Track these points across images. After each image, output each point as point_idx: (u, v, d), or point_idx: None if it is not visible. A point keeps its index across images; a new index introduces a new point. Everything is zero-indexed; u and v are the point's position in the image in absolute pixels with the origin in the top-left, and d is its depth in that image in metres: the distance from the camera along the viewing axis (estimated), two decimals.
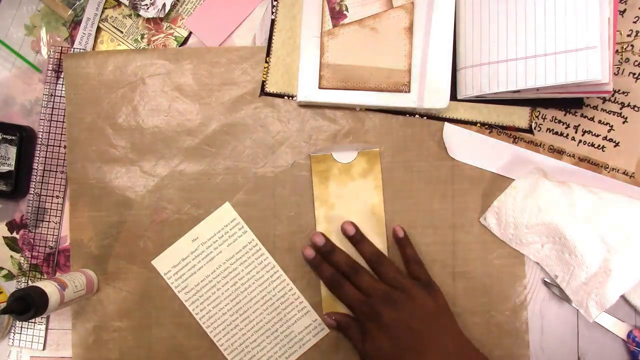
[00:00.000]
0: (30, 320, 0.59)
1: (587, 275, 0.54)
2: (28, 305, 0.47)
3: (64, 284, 0.52)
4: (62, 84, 0.60)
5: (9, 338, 0.60)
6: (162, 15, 0.59)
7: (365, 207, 0.57)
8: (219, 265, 0.58)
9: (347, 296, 0.53)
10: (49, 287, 0.49)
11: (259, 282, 0.58)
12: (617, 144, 0.57)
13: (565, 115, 0.57)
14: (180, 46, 0.60)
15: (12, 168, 0.53)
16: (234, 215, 0.58)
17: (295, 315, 0.58)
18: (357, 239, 0.56)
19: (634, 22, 0.56)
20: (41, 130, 0.60)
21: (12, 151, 0.53)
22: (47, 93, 0.60)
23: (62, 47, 0.60)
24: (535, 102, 0.57)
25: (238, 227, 0.58)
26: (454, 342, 0.50)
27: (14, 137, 0.53)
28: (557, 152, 0.58)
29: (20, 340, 0.59)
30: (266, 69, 0.58)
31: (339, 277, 0.54)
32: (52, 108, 0.60)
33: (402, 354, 0.48)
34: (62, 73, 0.60)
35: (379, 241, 0.57)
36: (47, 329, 0.60)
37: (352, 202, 0.57)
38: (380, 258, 0.55)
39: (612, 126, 0.57)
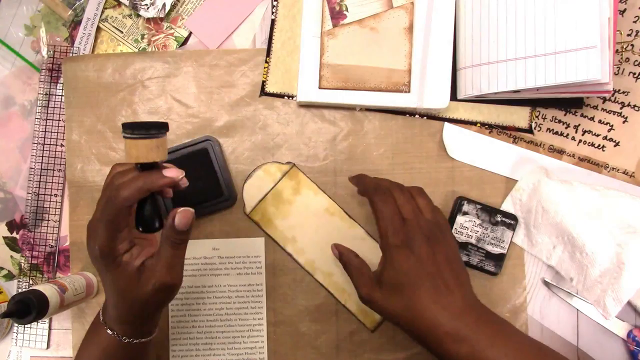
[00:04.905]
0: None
1: (600, 272, 0.53)
2: (28, 309, 0.47)
3: (64, 287, 0.52)
4: (60, 83, 0.60)
5: (12, 338, 0.60)
6: (162, 15, 0.59)
7: (321, 217, 0.57)
8: (219, 285, 0.58)
9: (386, 209, 0.46)
10: (49, 290, 0.50)
11: (241, 324, 0.57)
12: (617, 144, 0.57)
13: (565, 115, 0.57)
14: (180, 46, 0.60)
15: (505, 251, 0.56)
16: (261, 253, 0.58)
17: None
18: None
19: (634, 22, 0.56)
20: (37, 129, 0.60)
21: (509, 235, 0.56)
22: (43, 92, 0.60)
23: (60, 46, 0.60)
24: (535, 102, 0.57)
25: (257, 265, 0.58)
26: (469, 291, 0.45)
27: (512, 222, 0.56)
28: (557, 152, 0.58)
29: (23, 340, 0.60)
30: (266, 69, 0.58)
31: (389, 192, 0.48)
32: (49, 107, 0.60)
33: (420, 285, 0.43)
34: (60, 72, 0.60)
35: (358, 232, 0.57)
36: (50, 328, 0.60)
37: (305, 221, 0.57)
38: (420, 191, 0.50)
39: (612, 126, 0.57)
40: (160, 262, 0.42)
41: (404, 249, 0.45)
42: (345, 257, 0.50)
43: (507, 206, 0.57)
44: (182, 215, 0.41)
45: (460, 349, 0.41)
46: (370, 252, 0.56)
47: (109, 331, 0.44)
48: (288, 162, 0.57)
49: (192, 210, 0.42)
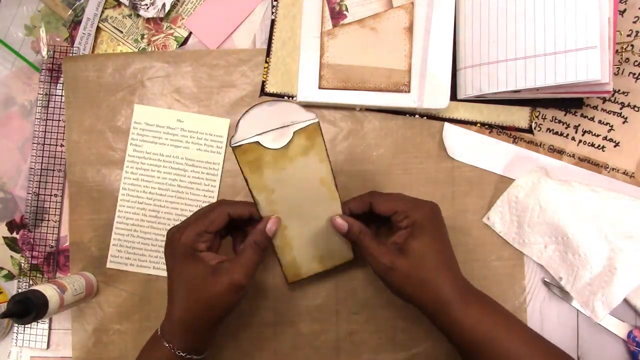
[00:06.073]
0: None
1: (591, 275, 0.54)
2: (28, 309, 0.47)
3: (64, 287, 0.52)
4: (60, 83, 0.60)
5: (12, 338, 0.60)
6: (162, 15, 0.59)
7: (312, 184, 0.49)
8: (177, 157, 0.58)
9: (400, 194, 0.49)
10: (48, 290, 0.50)
11: (191, 198, 0.58)
12: (617, 144, 0.57)
13: (565, 115, 0.57)
14: (180, 46, 0.60)
15: None
16: (224, 134, 0.58)
17: None
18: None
19: (634, 22, 0.56)
20: (37, 129, 0.60)
21: None
22: (43, 92, 0.60)
23: (60, 46, 0.60)
24: (535, 102, 0.57)
25: (218, 144, 0.58)
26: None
27: None
28: (557, 152, 0.58)
29: (23, 340, 0.60)
30: (266, 69, 0.58)
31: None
32: (49, 107, 0.60)
33: (443, 257, 0.47)
34: (60, 72, 0.60)
35: (334, 206, 0.50)
36: (50, 328, 0.60)
37: (294, 183, 0.49)
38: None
39: (612, 126, 0.57)
40: (238, 263, 0.45)
41: (435, 222, 0.48)
42: (356, 229, 0.48)
43: (503, 203, 0.57)
44: (273, 222, 0.47)
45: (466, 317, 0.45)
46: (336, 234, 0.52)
47: (165, 344, 0.45)
48: (311, 119, 0.47)
49: (280, 219, 0.47)
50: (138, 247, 0.58)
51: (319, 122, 0.47)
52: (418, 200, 0.49)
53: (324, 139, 0.47)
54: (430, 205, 0.48)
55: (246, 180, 0.49)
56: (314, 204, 0.51)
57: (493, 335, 0.44)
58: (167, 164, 0.58)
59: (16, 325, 0.60)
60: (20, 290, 0.60)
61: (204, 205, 0.57)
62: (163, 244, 0.57)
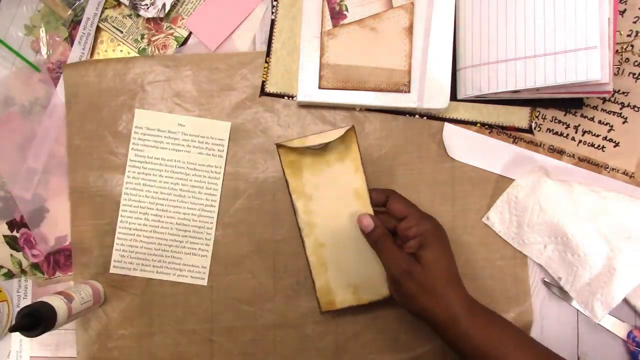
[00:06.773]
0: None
1: (590, 275, 0.54)
2: (36, 322, 0.47)
3: (71, 297, 0.52)
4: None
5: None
6: (162, 15, 0.59)
7: (347, 193, 0.53)
8: (178, 160, 0.58)
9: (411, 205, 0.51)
10: (56, 301, 0.49)
11: (193, 201, 0.58)
12: (617, 144, 0.57)
13: (565, 115, 0.57)
14: (180, 46, 0.60)
15: None
16: (224, 137, 0.58)
17: (194, 249, 0.58)
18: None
19: (634, 22, 0.56)
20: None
21: None
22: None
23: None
24: (535, 102, 0.57)
25: (219, 148, 0.58)
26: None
27: None
28: (557, 152, 0.58)
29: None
30: (266, 69, 0.58)
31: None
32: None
33: (453, 268, 0.49)
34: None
35: None
36: None
37: (331, 190, 0.53)
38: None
39: (612, 126, 0.57)
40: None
41: (442, 236, 0.50)
42: (379, 231, 0.50)
43: (503, 202, 0.57)
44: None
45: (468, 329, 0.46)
46: (369, 249, 0.53)
47: None
48: (347, 126, 0.51)
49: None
50: (141, 251, 0.58)
51: (354, 126, 0.51)
52: (426, 214, 0.51)
53: (359, 149, 0.52)
54: (437, 222, 0.51)
55: (287, 184, 0.52)
56: (350, 220, 0.53)
57: (501, 350, 0.45)
58: (169, 168, 0.58)
59: None
60: (20, 290, 0.60)
61: (206, 208, 0.58)
62: (166, 248, 0.58)
